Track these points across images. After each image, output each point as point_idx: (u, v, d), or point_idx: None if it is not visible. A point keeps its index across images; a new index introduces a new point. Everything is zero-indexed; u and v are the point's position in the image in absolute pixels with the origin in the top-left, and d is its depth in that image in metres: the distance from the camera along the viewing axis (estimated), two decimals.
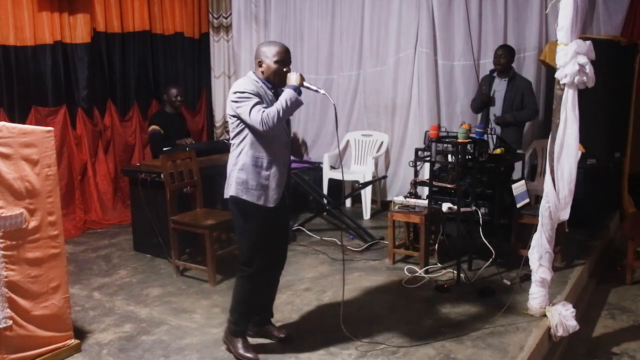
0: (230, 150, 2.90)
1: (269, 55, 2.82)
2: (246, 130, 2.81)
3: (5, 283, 2.72)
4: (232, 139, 2.88)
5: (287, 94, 2.76)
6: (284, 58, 2.85)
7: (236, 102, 2.76)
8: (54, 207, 2.91)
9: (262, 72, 2.85)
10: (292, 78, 2.82)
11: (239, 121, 2.81)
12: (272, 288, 3.17)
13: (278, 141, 2.88)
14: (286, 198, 2.99)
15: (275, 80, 2.86)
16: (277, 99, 2.81)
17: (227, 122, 6.51)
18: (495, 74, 5.01)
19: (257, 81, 2.83)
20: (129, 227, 5.09)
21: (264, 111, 2.71)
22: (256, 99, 2.75)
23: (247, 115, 2.72)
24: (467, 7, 5.53)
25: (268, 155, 2.84)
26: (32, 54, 5.13)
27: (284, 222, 3.12)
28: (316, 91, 2.92)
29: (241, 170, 2.82)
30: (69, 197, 5.44)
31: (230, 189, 2.86)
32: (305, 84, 2.85)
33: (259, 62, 2.85)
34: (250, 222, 2.87)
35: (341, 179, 5.96)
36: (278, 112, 2.71)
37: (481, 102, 4.98)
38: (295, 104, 2.78)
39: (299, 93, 2.80)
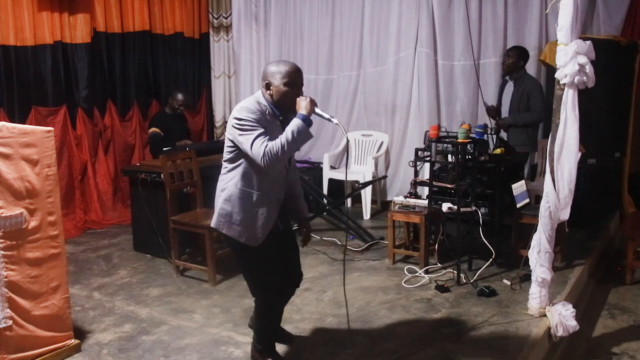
0: (221, 172, 2.66)
1: (278, 76, 2.55)
2: (241, 159, 2.57)
3: (5, 283, 2.72)
4: (225, 160, 2.64)
5: (294, 125, 2.47)
6: (295, 80, 2.57)
7: (238, 129, 2.50)
8: (54, 207, 2.91)
9: (271, 95, 2.59)
10: (302, 105, 2.52)
11: (235, 148, 2.57)
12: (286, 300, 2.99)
13: (274, 177, 2.63)
14: (287, 221, 2.82)
15: (286, 105, 2.59)
16: (284, 127, 2.55)
17: (227, 121, 6.50)
18: (507, 78, 4.96)
19: (265, 105, 2.57)
20: (129, 227, 5.10)
21: (267, 145, 2.43)
22: (260, 130, 2.47)
23: (248, 147, 2.46)
24: (467, 7, 5.52)
25: (259, 191, 2.59)
26: (32, 54, 5.13)
27: (289, 244, 2.91)
28: (329, 120, 2.60)
29: (227, 201, 2.60)
30: (69, 197, 5.44)
31: (213, 219, 2.66)
32: (317, 111, 2.56)
33: (267, 83, 2.58)
34: (243, 255, 2.68)
35: (341, 179, 6.01)
36: (282, 147, 2.43)
37: (489, 116, 4.92)
38: (304, 137, 2.48)
39: (309, 123, 2.50)
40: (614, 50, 5.02)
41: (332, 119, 2.60)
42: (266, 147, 2.44)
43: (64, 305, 2.99)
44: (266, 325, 2.86)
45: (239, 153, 2.58)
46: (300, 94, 2.60)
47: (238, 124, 2.51)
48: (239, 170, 2.59)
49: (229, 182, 2.61)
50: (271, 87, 2.58)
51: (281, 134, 2.51)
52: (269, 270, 2.70)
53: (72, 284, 3.85)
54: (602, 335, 3.66)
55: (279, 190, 2.69)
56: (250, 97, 2.64)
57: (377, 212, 5.97)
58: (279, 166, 2.58)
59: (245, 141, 2.48)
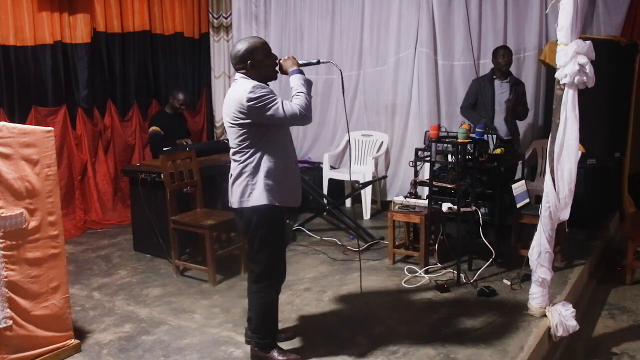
0: (241, 160, 2.73)
1: (258, 52, 2.72)
2: (259, 138, 2.68)
3: (5, 283, 2.72)
4: (242, 147, 2.70)
5: (298, 79, 2.71)
6: (270, 49, 2.79)
7: (261, 106, 2.59)
8: (54, 207, 2.91)
9: (259, 73, 2.73)
10: (289, 64, 2.77)
11: (248, 131, 2.66)
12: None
13: (288, 138, 2.83)
14: None
15: (269, 74, 2.79)
16: None
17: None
18: (494, 77, 4.96)
19: (260, 82, 2.70)
20: (129, 227, 5.09)
21: (294, 103, 2.63)
22: (278, 97, 2.65)
23: (281, 114, 2.60)
24: (467, 7, 5.52)
25: (287, 157, 2.78)
26: (32, 54, 5.12)
27: None
28: (318, 63, 2.90)
29: (267, 177, 2.69)
30: (69, 197, 5.44)
31: (255, 198, 2.71)
32: (301, 62, 2.82)
33: (251, 63, 2.70)
34: (276, 228, 2.81)
35: (341, 179, 6.01)
36: (306, 97, 2.65)
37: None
38: (310, 84, 2.74)
39: (303, 73, 2.76)
40: (614, 50, 5.03)
41: (320, 61, 2.92)
42: (295, 104, 2.63)
43: (64, 305, 2.99)
44: (269, 315, 2.89)
45: (254, 134, 2.67)
46: (276, 58, 2.81)
47: (260, 102, 2.59)
48: (264, 146, 2.70)
49: (260, 162, 2.70)
50: (259, 65, 2.72)
51: None
52: (283, 244, 2.96)
53: (72, 284, 3.84)
54: (602, 335, 3.66)
55: (293, 150, 2.89)
56: (241, 84, 2.69)
57: (377, 212, 5.96)
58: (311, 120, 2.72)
59: (275, 112, 2.61)
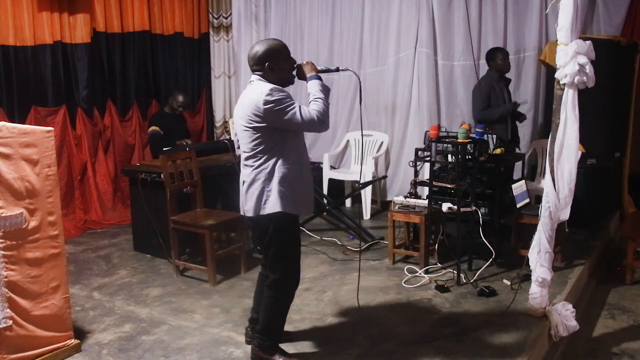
0: (255, 166, 2.65)
1: (278, 55, 2.65)
2: (277, 142, 2.61)
3: (5, 283, 2.72)
4: (256, 152, 2.63)
5: (316, 85, 2.65)
6: (289, 53, 2.72)
7: (279, 110, 2.53)
8: (54, 207, 2.91)
9: (276, 76, 2.66)
10: (307, 69, 2.70)
11: (262, 136, 2.59)
12: None
13: (302, 144, 2.76)
14: None
15: (288, 78, 2.72)
16: None
17: (227, 122, 6.41)
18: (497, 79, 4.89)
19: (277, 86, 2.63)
20: (129, 227, 5.09)
21: (311, 109, 2.58)
22: (296, 102, 2.58)
23: (298, 118, 2.54)
24: (467, 7, 5.52)
25: (301, 163, 2.71)
26: (32, 54, 5.13)
27: None
28: (337, 70, 2.87)
29: (281, 183, 2.62)
30: (69, 197, 5.44)
31: (271, 206, 2.63)
32: (320, 68, 2.76)
33: (269, 66, 2.63)
34: (292, 237, 2.78)
35: (341, 179, 6.02)
36: (323, 103, 2.59)
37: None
38: (328, 90, 2.68)
39: (321, 79, 2.71)
40: (614, 50, 5.03)
41: (340, 69, 2.88)
42: (313, 110, 2.58)
43: (64, 305, 2.99)
44: (277, 320, 2.88)
45: (270, 138, 2.61)
46: (294, 62, 2.74)
47: (277, 106, 2.54)
48: (279, 152, 2.63)
49: (275, 167, 2.63)
50: (277, 68, 2.65)
51: None
52: (299, 252, 2.87)
53: (72, 284, 3.85)
54: (602, 335, 3.66)
55: (307, 156, 2.84)
56: (258, 86, 2.62)
57: (377, 212, 5.96)
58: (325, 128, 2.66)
59: (292, 117, 2.56)
